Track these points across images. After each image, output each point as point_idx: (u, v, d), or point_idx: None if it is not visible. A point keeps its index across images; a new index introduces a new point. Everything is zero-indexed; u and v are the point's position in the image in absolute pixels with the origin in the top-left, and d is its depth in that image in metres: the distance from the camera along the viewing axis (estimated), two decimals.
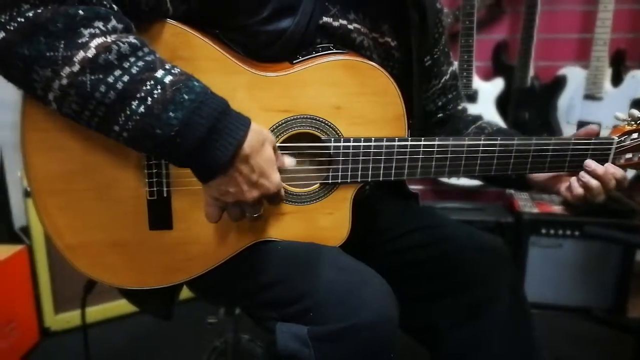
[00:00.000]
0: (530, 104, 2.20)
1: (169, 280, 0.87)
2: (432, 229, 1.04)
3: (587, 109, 2.12)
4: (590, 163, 0.92)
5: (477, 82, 2.19)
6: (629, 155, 0.97)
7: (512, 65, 2.19)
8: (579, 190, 0.93)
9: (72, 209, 0.80)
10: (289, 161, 0.81)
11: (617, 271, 2.00)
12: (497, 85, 2.22)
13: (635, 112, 0.96)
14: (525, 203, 2.18)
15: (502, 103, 2.21)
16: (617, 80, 2.09)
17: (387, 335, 0.77)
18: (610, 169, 0.92)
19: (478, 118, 1.13)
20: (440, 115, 1.13)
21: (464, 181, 2.28)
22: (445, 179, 2.30)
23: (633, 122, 0.96)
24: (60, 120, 0.73)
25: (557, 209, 2.12)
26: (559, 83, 2.17)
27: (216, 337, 1.60)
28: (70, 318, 1.88)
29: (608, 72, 2.09)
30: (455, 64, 1.14)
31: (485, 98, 2.21)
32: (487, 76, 2.26)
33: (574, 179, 0.94)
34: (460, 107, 1.16)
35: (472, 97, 2.19)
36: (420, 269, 1.00)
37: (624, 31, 2.16)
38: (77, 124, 0.70)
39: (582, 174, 0.93)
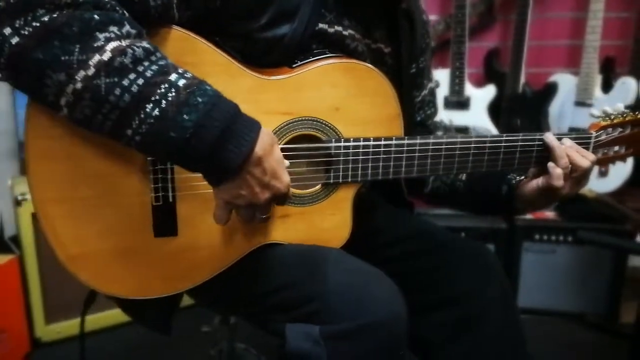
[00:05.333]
0: (522, 111, 2.22)
1: (175, 288, 0.86)
2: (423, 238, 1.05)
3: (578, 116, 2.14)
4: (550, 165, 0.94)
5: (469, 89, 2.20)
6: (605, 150, 1.04)
7: (503, 72, 2.21)
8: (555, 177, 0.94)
9: (75, 217, 0.78)
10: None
11: (609, 276, 2.00)
12: (489, 92, 2.23)
13: (607, 109, 1.02)
14: None
15: (494, 110, 2.23)
16: (607, 86, 2.12)
17: (398, 333, 0.77)
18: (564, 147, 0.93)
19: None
20: (418, 128, 1.15)
21: None
22: None
23: (607, 118, 1.02)
24: (65, 127, 0.73)
25: (550, 215, 2.13)
26: (550, 90, 2.19)
27: (211, 345, 1.59)
28: (62, 328, 1.86)
29: (598, 79, 2.11)
30: (435, 80, 1.17)
31: (478, 105, 2.22)
32: (479, 83, 2.27)
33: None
34: (436, 122, 1.19)
35: (465, 104, 2.20)
36: (411, 281, 0.99)
37: (613, 38, 2.18)
38: (84, 130, 0.69)
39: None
